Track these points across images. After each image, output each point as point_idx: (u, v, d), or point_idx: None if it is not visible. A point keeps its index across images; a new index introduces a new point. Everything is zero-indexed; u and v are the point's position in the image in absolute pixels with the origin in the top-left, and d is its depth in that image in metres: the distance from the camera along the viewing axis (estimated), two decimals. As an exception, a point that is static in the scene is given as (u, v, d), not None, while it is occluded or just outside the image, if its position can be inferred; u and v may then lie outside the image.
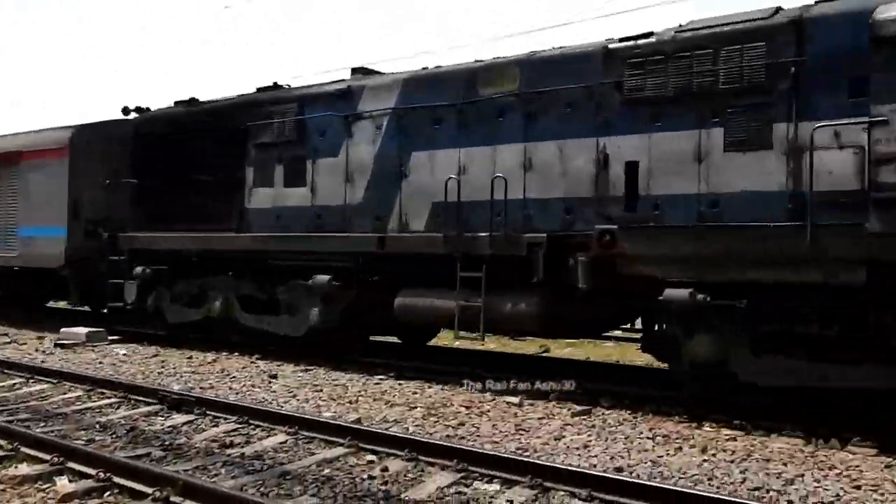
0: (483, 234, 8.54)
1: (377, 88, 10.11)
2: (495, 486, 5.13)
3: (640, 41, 7.84)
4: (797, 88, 6.83)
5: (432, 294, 9.08)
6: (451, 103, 9.25)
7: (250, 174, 11.14)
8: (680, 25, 7.78)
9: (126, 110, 13.15)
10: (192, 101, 12.47)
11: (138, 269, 12.14)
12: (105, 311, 13.97)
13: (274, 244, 10.66)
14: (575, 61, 8.29)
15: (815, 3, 7.09)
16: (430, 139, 9.43)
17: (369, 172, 9.97)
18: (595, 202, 7.98)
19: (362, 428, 6.39)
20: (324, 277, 10.07)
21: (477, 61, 9.36)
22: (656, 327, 7.98)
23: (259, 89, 11.65)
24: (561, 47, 8.76)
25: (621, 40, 8.00)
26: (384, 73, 10.68)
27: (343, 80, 10.68)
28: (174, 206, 11.94)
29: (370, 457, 5.79)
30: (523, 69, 8.72)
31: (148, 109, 13.06)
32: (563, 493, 4.91)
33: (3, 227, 14.46)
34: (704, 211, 7.28)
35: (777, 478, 5.28)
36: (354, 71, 10.92)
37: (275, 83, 11.67)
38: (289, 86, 11.56)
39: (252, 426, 6.67)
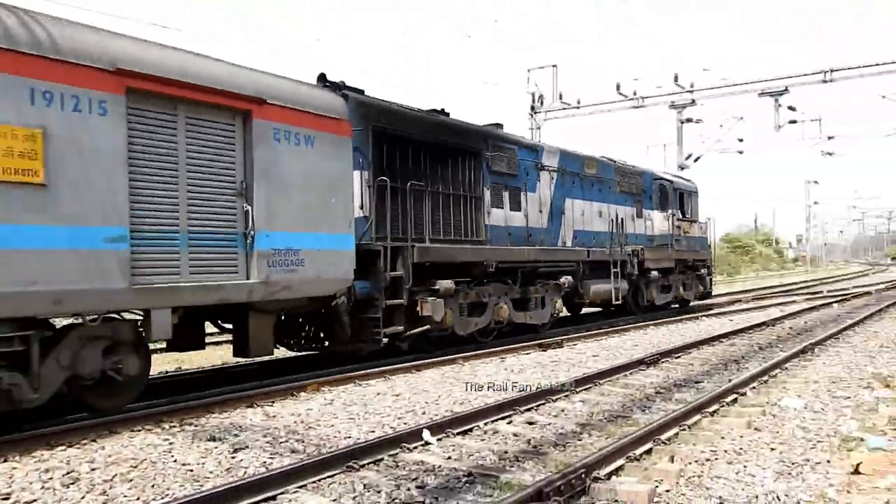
0: (603, 248, 17.19)
1: (549, 151, 15.98)
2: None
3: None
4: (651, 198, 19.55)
5: (601, 283, 16.69)
6: (575, 171, 16.66)
7: (487, 195, 13.59)
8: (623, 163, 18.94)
9: (324, 78, 10.71)
10: (443, 111, 13.25)
11: (447, 283, 11.64)
12: (385, 341, 10.74)
13: (543, 255, 14.73)
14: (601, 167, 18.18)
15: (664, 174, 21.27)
16: (571, 191, 16.52)
17: (549, 207, 15.58)
18: (615, 237, 17.84)
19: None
20: (568, 277, 15.34)
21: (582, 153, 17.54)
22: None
23: (486, 125, 14.58)
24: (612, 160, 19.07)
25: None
26: (542, 143, 17.21)
27: (533, 140, 17.74)
28: (415, 214, 11.72)
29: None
30: (598, 163, 17.86)
31: (362, 91, 11.23)
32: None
33: (219, 232, 8.21)
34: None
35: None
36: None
37: (497, 123, 15.08)
38: (500, 124, 15.14)
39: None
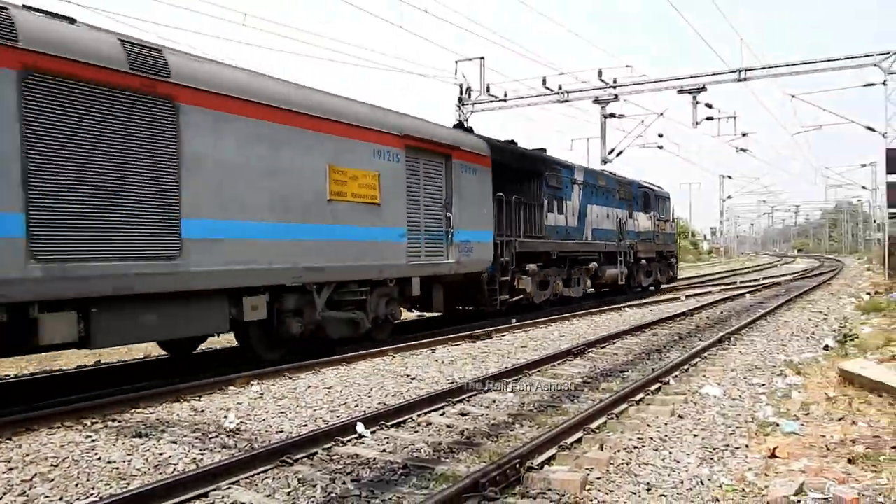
0: (613, 242, 22.45)
1: (578, 169, 21.19)
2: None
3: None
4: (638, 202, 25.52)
5: (612, 268, 22.19)
6: (593, 184, 21.80)
7: (545, 202, 18.66)
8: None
9: (471, 129, 16.87)
10: (513, 142, 18.21)
11: (532, 266, 17.18)
12: (500, 307, 15.96)
13: (580, 247, 20.34)
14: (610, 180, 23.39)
15: (646, 184, 27.27)
16: (591, 199, 21.48)
17: (578, 211, 20.64)
18: (619, 233, 23.01)
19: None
20: (594, 263, 21.04)
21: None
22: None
23: (537, 149, 19.70)
24: (614, 174, 24.46)
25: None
26: (569, 162, 21.04)
27: (569, 161, 20.85)
28: (510, 218, 16.84)
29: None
30: (605, 177, 23.06)
31: (470, 130, 17.11)
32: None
33: (438, 231, 13.45)
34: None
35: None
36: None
37: (542, 148, 20.18)
38: (544, 149, 20.24)
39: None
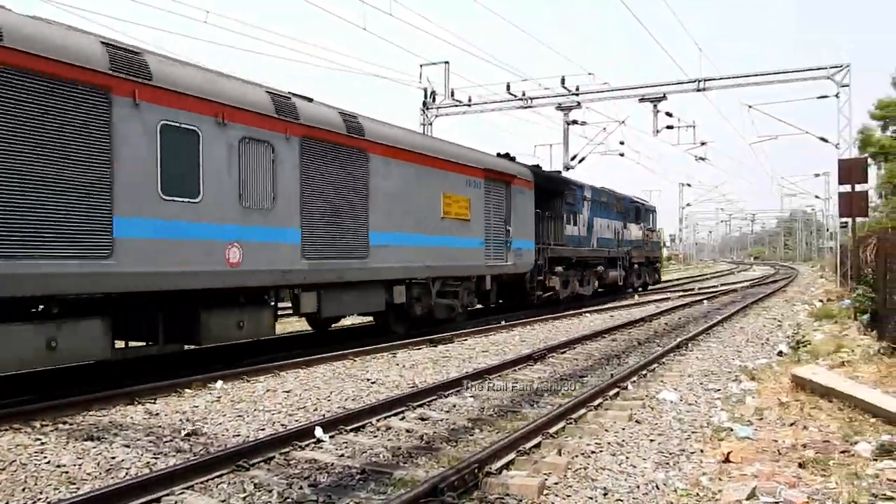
0: (613, 249, 27.16)
1: (587, 188, 24.96)
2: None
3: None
4: (630, 215, 30.07)
5: (613, 271, 26.59)
6: (598, 200, 25.70)
7: (564, 216, 22.47)
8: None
9: (510, 156, 19.54)
10: (538, 167, 21.63)
11: (559, 268, 21.50)
12: (536, 301, 20.37)
13: (590, 253, 24.53)
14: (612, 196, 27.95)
15: (637, 199, 32.37)
16: (596, 212, 25.11)
17: (587, 223, 24.36)
18: (617, 242, 27.54)
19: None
20: (601, 266, 25.12)
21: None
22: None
23: (560, 172, 25.32)
24: (613, 191, 28.81)
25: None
26: (578, 182, 24.76)
27: (581, 182, 24.74)
28: (543, 228, 20.84)
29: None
30: (606, 193, 27.35)
31: (513, 158, 19.60)
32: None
33: (501, 240, 17.48)
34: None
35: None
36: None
37: (559, 171, 25.45)
38: (559, 171, 25.77)
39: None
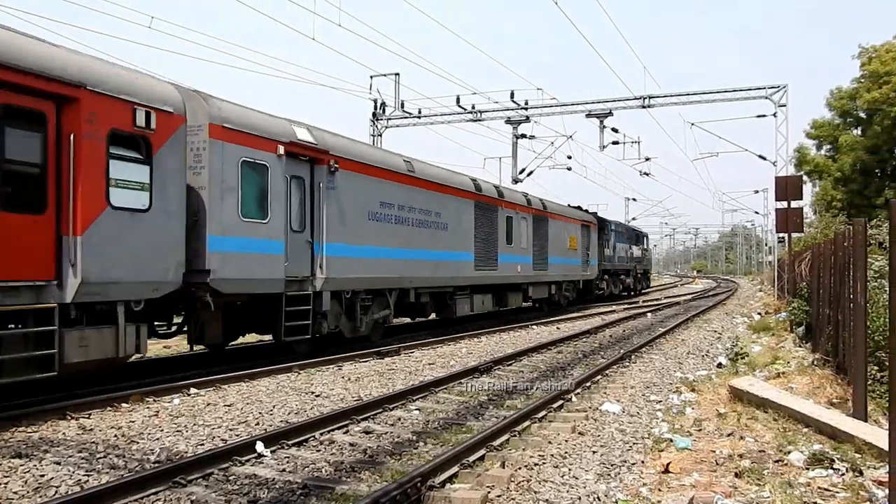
0: (628, 264, 41.12)
1: (615, 223, 38.92)
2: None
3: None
4: (632, 238, 43.59)
5: (628, 278, 40.43)
6: (618, 230, 39.09)
7: (604, 243, 34.40)
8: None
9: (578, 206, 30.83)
10: (580, 207, 32.21)
11: (607, 277, 34.81)
12: (598, 295, 33.64)
13: (618, 267, 37.96)
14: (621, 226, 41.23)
15: (637, 228, 48.88)
16: (618, 239, 38.25)
17: (613, 247, 36.70)
18: (627, 259, 40.80)
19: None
20: (624, 276, 39.67)
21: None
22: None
23: (594, 212, 34.76)
24: (624, 223, 46.92)
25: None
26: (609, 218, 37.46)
27: (610, 219, 38.08)
28: (600, 250, 33.25)
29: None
30: (623, 225, 43.25)
31: (580, 208, 31.98)
32: None
33: (586, 259, 29.31)
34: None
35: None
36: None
37: (601, 217, 35.63)
38: (594, 211, 35.01)
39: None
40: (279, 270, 11.32)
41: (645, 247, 46.41)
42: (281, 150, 11.45)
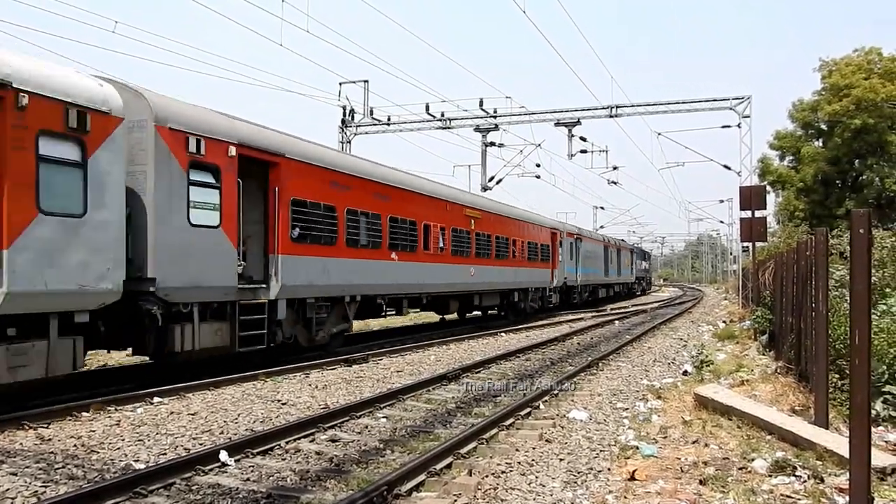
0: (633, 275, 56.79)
1: (625, 243, 55.23)
2: None
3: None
4: (637, 254, 61.12)
5: (637, 286, 60.37)
6: (635, 251, 59.09)
7: (612, 259, 45.35)
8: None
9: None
10: (623, 240, 53.50)
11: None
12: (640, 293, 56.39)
13: (621, 279, 50.41)
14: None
15: (640, 246, 71.08)
16: (627, 257, 52.42)
17: (619, 263, 48.12)
18: (636, 271, 58.76)
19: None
20: (635, 284, 59.60)
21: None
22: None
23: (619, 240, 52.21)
24: (634, 245, 64.77)
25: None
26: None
27: (623, 241, 54.60)
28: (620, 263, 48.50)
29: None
30: (628, 245, 56.42)
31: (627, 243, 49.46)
32: None
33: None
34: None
35: (561, 489, 5.91)
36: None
37: (624, 240, 54.64)
38: (623, 240, 53.54)
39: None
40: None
41: (648, 261, 63.30)
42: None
